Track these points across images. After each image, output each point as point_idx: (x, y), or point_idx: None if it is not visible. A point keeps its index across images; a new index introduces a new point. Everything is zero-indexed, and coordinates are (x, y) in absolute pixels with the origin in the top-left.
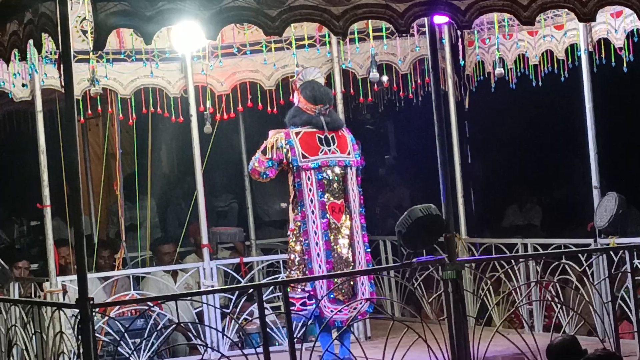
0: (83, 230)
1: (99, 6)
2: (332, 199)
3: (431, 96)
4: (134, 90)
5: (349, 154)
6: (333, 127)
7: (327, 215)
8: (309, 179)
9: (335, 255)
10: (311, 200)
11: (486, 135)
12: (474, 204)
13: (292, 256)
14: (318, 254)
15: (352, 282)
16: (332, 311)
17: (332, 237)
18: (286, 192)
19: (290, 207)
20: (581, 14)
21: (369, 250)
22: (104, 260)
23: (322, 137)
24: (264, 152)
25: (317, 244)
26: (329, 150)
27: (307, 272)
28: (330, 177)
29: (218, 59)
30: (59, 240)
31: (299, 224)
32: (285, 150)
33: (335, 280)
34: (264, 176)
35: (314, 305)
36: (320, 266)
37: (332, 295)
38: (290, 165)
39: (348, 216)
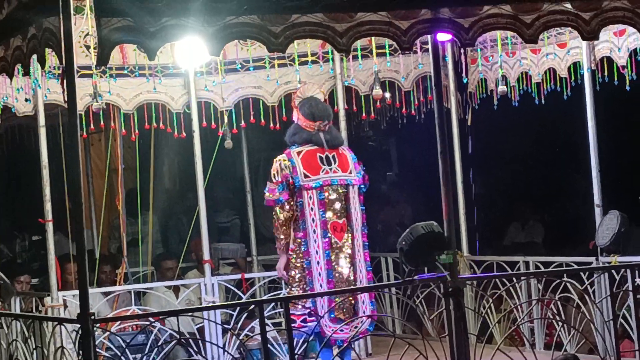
0: (85, 245)
1: (103, 22)
2: (334, 218)
3: (434, 113)
4: (137, 106)
5: (350, 172)
6: (333, 144)
7: (329, 234)
8: (310, 198)
9: (337, 274)
10: (313, 220)
11: (488, 153)
12: (476, 222)
13: (293, 273)
14: (319, 273)
15: (352, 301)
16: (332, 330)
17: (333, 257)
18: None
19: (292, 226)
20: (584, 32)
21: (370, 269)
22: (106, 275)
23: (323, 156)
24: (272, 180)
25: (318, 263)
26: (330, 169)
27: (308, 290)
28: (332, 197)
29: (221, 75)
30: (63, 256)
31: (299, 241)
32: (288, 171)
33: (336, 299)
34: (279, 202)
35: (315, 323)
36: (321, 285)
37: (332, 314)
38: (293, 185)
39: (350, 235)
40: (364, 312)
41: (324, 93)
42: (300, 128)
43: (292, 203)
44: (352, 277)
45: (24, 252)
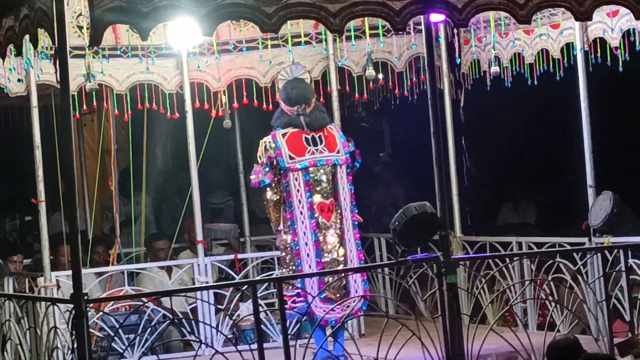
0: (78, 226)
1: (95, 2)
2: (320, 199)
3: (427, 94)
4: (130, 86)
5: (338, 152)
6: (314, 127)
7: (316, 215)
8: (296, 179)
9: (325, 255)
10: (299, 201)
11: (481, 134)
12: (469, 202)
13: (284, 254)
14: (308, 254)
15: (344, 281)
16: (324, 311)
17: (321, 238)
18: None
19: (282, 207)
20: (577, 13)
21: (360, 248)
22: (99, 256)
23: (309, 137)
24: (257, 162)
25: (306, 244)
26: (316, 150)
27: (297, 271)
28: (319, 177)
29: (214, 55)
30: (56, 236)
31: (288, 223)
32: (273, 152)
33: (327, 279)
34: (262, 183)
35: (304, 303)
36: (310, 266)
37: (323, 295)
38: (278, 167)
39: (338, 215)
40: (356, 292)
41: (310, 73)
42: (282, 112)
43: (275, 186)
44: (342, 258)
45: (15, 232)
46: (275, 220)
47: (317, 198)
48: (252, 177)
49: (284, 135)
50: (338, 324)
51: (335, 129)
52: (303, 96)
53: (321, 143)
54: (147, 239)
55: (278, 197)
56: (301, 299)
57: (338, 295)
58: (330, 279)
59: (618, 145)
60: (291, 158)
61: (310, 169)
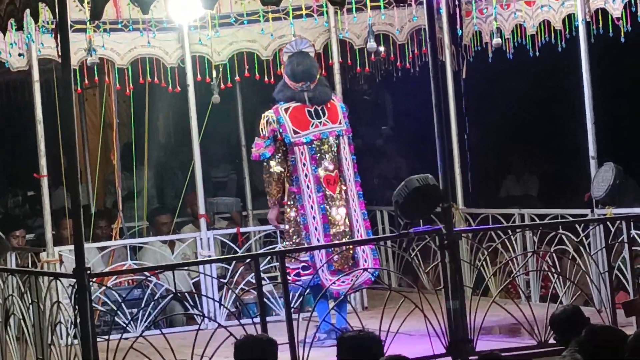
0: (80, 200)
1: None
2: (326, 171)
3: (428, 66)
4: (131, 60)
5: (340, 122)
6: (317, 102)
7: (323, 188)
8: (302, 154)
9: (333, 227)
10: (306, 175)
11: (483, 106)
12: (471, 174)
13: (287, 227)
14: (316, 228)
15: (351, 251)
16: (333, 282)
17: (328, 210)
18: None
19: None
20: None
21: (366, 217)
22: (101, 230)
23: (312, 110)
24: (259, 135)
25: (314, 218)
26: (320, 122)
27: (302, 244)
28: (324, 149)
29: (215, 28)
30: (59, 210)
31: (294, 196)
32: (276, 125)
33: (334, 251)
34: (263, 156)
35: (312, 276)
36: (318, 239)
37: (332, 267)
38: (283, 142)
39: (343, 185)
40: (365, 261)
41: (315, 46)
42: (285, 85)
43: (279, 158)
44: (348, 229)
45: (17, 208)
46: (275, 194)
47: (322, 171)
48: (253, 149)
49: (286, 110)
50: (348, 293)
51: (336, 98)
52: (308, 72)
53: (324, 115)
54: (149, 214)
55: (281, 169)
56: (307, 272)
57: (346, 266)
58: (337, 250)
59: (620, 118)
60: (295, 132)
61: (315, 142)
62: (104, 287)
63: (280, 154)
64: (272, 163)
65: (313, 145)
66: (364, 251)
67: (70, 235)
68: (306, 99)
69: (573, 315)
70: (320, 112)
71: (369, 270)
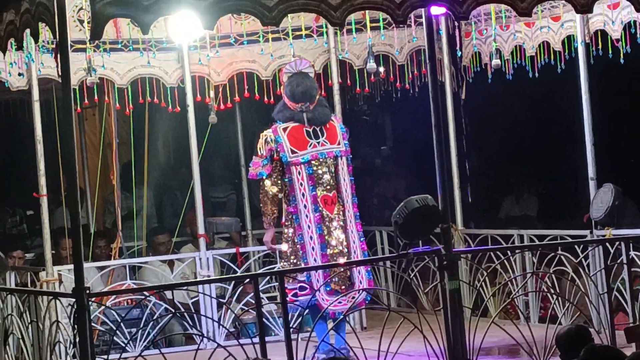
0: (80, 220)
1: None
2: (324, 191)
3: (428, 87)
4: (131, 80)
5: (338, 143)
6: (316, 123)
7: (320, 208)
8: (299, 173)
9: (330, 248)
10: (303, 195)
11: (483, 126)
12: (470, 195)
13: (285, 247)
14: (313, 248)
15: (348, 272)
16: (330, 303)
17: (325, 230)
18: None
19: (283, 200)
20: (578, 6)
21: (363, 239)
22: (101, 250)
23: (310, 130)
24: (257, 154)
25: (311, 237)
26: (318, 142)
27: (299, 264)
28: (321, 170)
29: (215, 49)
30: (58, 230)
31: (291, 216)
32: (274, 145)
33: (331, 272)
34: (260, 175)
35: (310, 296)
36: (315, 260)
37: (329, 287)
38: (280, 161)
39: (341, 207)
40: (360, 283)
41: (314, 67)
42: (285, 106)
43: (276, 178)
44: (345, 250)
45: (15, 227)
46: (270, 214)
47: (320, 191)
48: (250, 168)
49: (285, 129)
50: (344, 314)
51: (336, 119)
52: (308, 94)
53: (322, 135)
54: (147, 234)
55: (277, 189)
56: (304, 292)
57: (343, 286)
58: (335, 271)
59: (620, 139)
60: (293, 152)
61: (313, 162)
62: (103, 307)
63: (276, 174)
64: (268, 182)
65: (311, 165)
66: (359, 272)
67: (69, 254)
68: (305, 119)
69: (579, 334)
70: (319, 132)
71: (366, 290)
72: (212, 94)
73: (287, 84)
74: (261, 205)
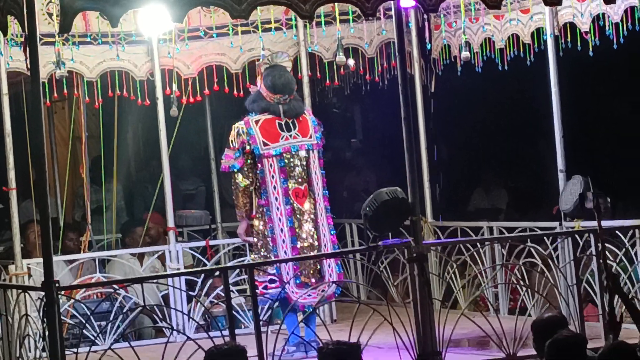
0: (49, 213)
1: None
2: (295, 184)
3: (397, 80)
4: (100, 74)
5: (310, 136)
6: (291, 115)
7: (291, 201)
8: (271, 166)
9: (301, 240)
10: (274, 187)
11: (452, 119)
12: (440, 187)
13: (255, 240)
14: (283, 240)
15: (318, 265)
16: (299, 296)
17: (296, 223)
18: None
19: (254, 193)
20: None
21: (334, 232)
22: (72, 243)
23: (282, 122)
24: (229, 146)
25: (282, 230)
26: (290, 135)
27: (270, 257)
28: (293, 163)
29: (184, 42)
30: (27, 223)
31: (262, 209)
32: (246, 137)
33: (302, 264)
34: (233, 168)
35: (280, 289)
36: (285, 252)
37: (298, 280)
38: (252, 154)
39: (312, 199)
40: (330, 275)
41: (292, 61)
42: (260, 96)
43: (247, 171)
44: (316, 243)
45: None
46: (242, 206)
47: (291, 184)
48: (222, 160)
49: (257, 122)
50: (313, 307)
51: (308, 112)
52: (289, 87)
53: (294, 128)
54: (125, 227)
55: (248, 182)
56: (274, 285)
57: (313, 279)
58: (305, 264)
59: (588, 130)
60: (265, 144)
61: (285, 154)
62: (72, 300)
63: (248, 167)
64: (240, 176)
65: (282, 158)
66: (329, 266)
67: (38, 246)
68: (281, 111)
69: (556, 324)
70: (291, 125)
71: (336, 283)
72: (174, 87)
73: (267, 74)
74: (233, 197)
